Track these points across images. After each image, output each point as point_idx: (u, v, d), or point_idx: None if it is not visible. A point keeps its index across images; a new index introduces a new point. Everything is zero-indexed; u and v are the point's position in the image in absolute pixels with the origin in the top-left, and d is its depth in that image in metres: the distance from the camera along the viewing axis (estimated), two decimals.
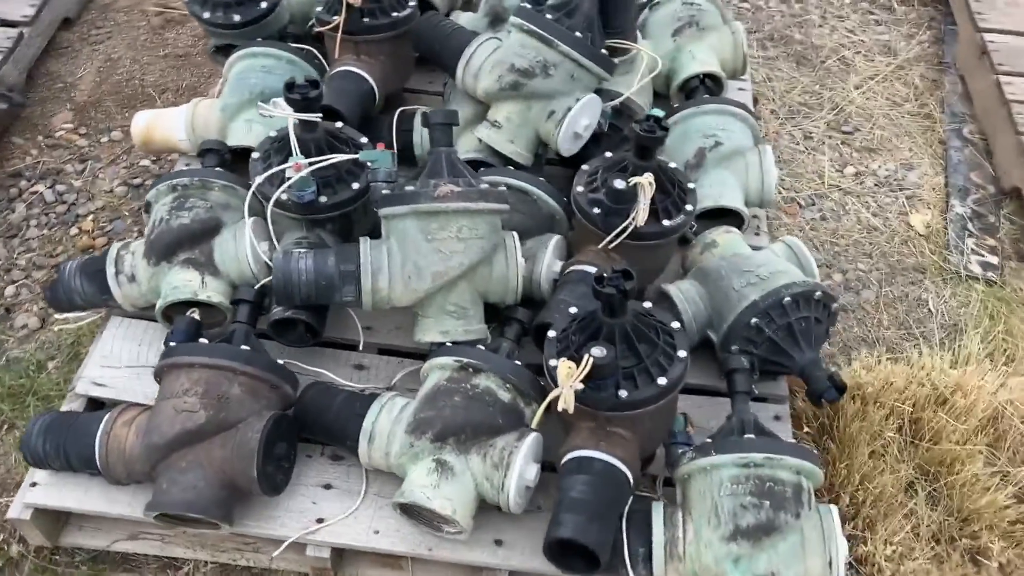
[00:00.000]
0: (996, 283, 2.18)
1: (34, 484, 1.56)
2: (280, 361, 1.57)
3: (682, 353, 1.45)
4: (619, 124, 1.96)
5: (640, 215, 1.62)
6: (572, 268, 1.69)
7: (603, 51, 1.81)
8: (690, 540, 1.40)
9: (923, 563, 1.61)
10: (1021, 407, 1.80)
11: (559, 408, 1.35)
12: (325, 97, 1.79)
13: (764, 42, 2.81)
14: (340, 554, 1.59)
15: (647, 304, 1.49)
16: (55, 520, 1.61)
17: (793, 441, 1.45)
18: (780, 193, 2.35)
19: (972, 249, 2.25)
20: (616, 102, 1.89)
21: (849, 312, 2.12)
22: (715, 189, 1.89)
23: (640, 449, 1.48)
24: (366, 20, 1.92)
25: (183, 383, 1.48)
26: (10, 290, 2.05)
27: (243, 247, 1.66)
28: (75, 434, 1.50)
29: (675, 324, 1.50)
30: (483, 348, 1.55)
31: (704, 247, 1.80)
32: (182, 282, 1.66)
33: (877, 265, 2.23)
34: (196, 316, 1.63)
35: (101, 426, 1.49)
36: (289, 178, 1.61)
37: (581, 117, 1.78)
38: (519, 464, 1.42)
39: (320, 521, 1.54)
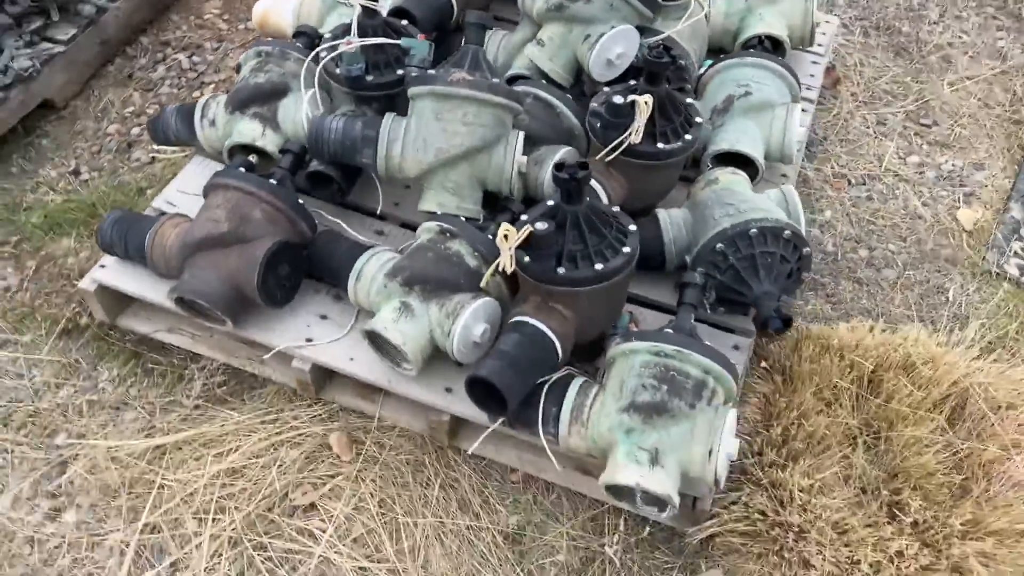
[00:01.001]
0: None
1: (103, 266, 1.93)
2: (309, 210, 1.86)
3: (627, 249, 1.60)
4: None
5: (635, 133, 1.77)
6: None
7: None
8: (595, 409, 1.56)
9: (839, 503, 1.68)
10: (993, 393, 1.81)
11: (499, 268, 1.56)
12: (404, 2, 2.08)
13: (868, 30, 2.82)
14: (323, 378, 1.87)
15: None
16: (116, 301, 1.97)
17: (717, 350, 1.57)
18: (832, 168, 2.40)
19: (1016, 252, 2.21)
20: (657, 39, 2.03)
21: (863, 286, 2.16)
22: (733, 135, 2.00)
23: (577, 329, 1.64)
24: None
25: (218, 200, 1.79)
26: (135, 130, 2.46)
27: (301, 110, 1.95)
28: (136, 228, 1.85)
29: (631, 227, 1.65)
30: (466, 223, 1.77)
31: (706, 183, 1.91)
32: (247, 130, 1.97)
33: (908, 249, 2.24)
34: (252, 159, 1.95)
35: (154, 225, 1.83)
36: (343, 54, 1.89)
37: (615, 45, 1.94)
38: (466, 316, 1.63)
39: (309, 341, 1.82)
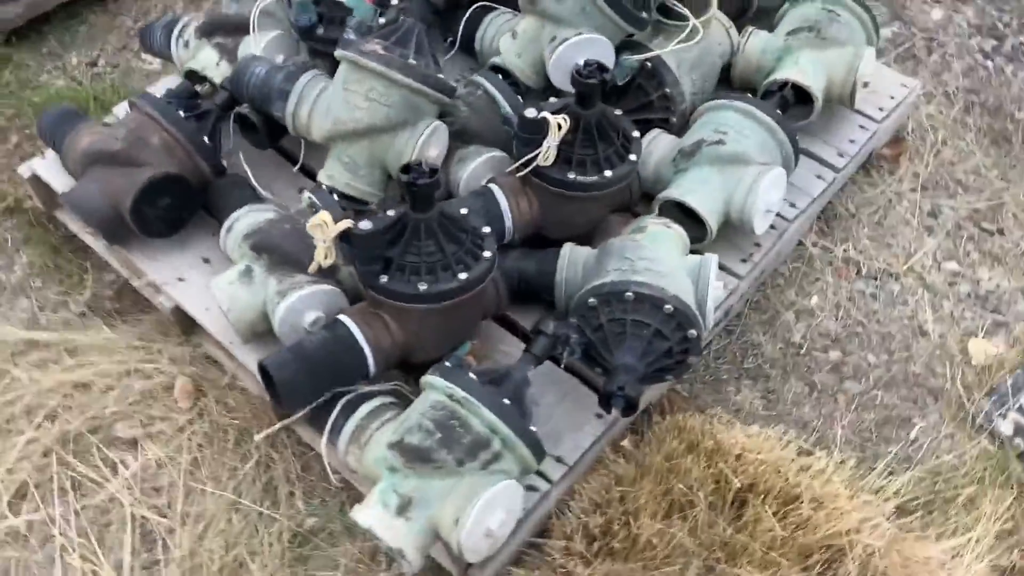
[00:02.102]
0: (1014, 454, 1.76)
1: (44, 157, 1.98)
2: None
3: (463, 276, 1.43)
4: (646, 86, 1.87)
5: (544, 154, 1.58)
6: (485, 184, 1.71)
7: (634, 8, 1.73)
8: (375, 436, 1.43)
9: None
10: (879, 561, 1.50)
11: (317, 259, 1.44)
12: None
13: (972, 106, 2.40)
14: (191, 321, 1.82)
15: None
16: (53, 193, 2.02)
17: (521, 412, 1.38)
18: (845, 251, 2.07)
19: (1020, 408, 1.82)
20: (641, 57, 1.81)
21: (813, 392, 1.86)
22: (688, 184, 1.74)
23: (403, 345, 1.51)
24: None
25: (128, 118, 1.78)
26: None
27: (256, 48, 1.90)
28: (65, 127, 1.87)
29: (486, 254, 1.48)
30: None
31: (634, 229, 1.69)
32: (204, 57, 1.94)
33: (890, 366, 1.90)
34: (196, 87, 1.92)
35: (77, 127, 1.84)
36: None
37: (578, 53, 1.73)
38: (294, 298, 1.52)
39: (180, 280, 1.79)
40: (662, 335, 1.51)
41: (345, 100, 1.64)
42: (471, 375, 1.38)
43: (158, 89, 2.04)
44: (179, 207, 1.78)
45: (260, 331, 1.61)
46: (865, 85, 1.99)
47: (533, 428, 1.40)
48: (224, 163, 1.84)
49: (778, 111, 1.87)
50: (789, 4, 2.08)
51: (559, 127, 1.55)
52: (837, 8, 1.99)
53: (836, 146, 2.06)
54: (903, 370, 1.89)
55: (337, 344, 1.46)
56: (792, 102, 1.94)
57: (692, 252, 1.74)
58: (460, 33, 2.08)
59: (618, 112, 1.72)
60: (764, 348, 1.91)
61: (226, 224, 1.70)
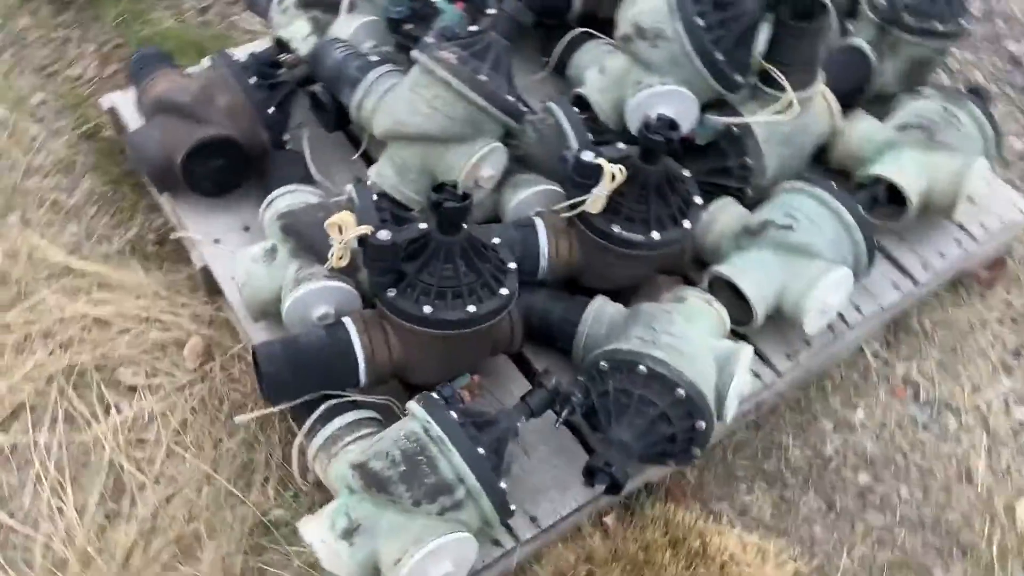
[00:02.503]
0: None
1: (124, 92, 2.02)
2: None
3: (471, 308, 1.37)
4: (728, 151, 1.76)
5: (593, 201, 1.50)
6: (532, 216, 1.64)
7: (729, 70, 1.63)
8: (344, 451, 1.38)
9: None
10: None
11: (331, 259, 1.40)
12: None
13: None
14: (217, 288, 1.81)
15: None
16: (124, 129, 2.04)
17: (492, 466, 1.30)
18: (907, 370, 1.90)
19: None
20: (727, 120, 1.70)
21: (829, 514, 1.71)
22: (742, 264, 1.63)
23: (398, 363, 1.45)
24: None
25: (203, 74, 1.79)
26: None
27: (347, 29, 1.88)
28: (151, 64, 1.88)
29: (504, 291, 1.41)
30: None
31: (673, 297, 1.59)
32: (296, 28, 1.93)
33: (922, 507, 1.73)
34: (281, 56, 1.91)
35: (157, 70, 1.86)
36: None
37: (660, 104, 1.64)
38: (305, 290, 1.48)
39: (216, 241, 1.79)
40: (668, 419, 1.40)
41: (409, 102, 1.60)
42: (453, 414, 1.31)
43: (246, 51, 2.05)
44: (230, 170, 1.78)
45: (271, 312, 1.58)
46: (970, 200, 1.82)
47: (503, 485, 1.32)
48: (287, 137, 1.83)
49: (861, 207, 1.74)
50: (908, 95, 1.93)
51: (613, 177, 1.47)
52: (958, 111, 1.83)
53: (923, 256, 1.90)
54: (936, 514, 1.73)
55: (332, 347, 1.42)
56: (883, 200, 1.79)
57: (735, 334, 1.64)
58: (557, 56, 2.02)
59: (686, 173, 1.62)
60: (791, 452, 1.78)
61: (268, 198, 1.68)
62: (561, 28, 2.04)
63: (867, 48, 1.96)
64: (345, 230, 1.34)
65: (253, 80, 1.76)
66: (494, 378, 1.64)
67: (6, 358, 1.75)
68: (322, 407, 1.44)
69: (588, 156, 1.49)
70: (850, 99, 1.99)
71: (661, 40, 1.62)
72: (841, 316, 1.78)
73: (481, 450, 1.29)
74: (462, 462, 1.27)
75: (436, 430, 1.29)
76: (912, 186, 1.78)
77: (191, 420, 1.71)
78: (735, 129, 1.72)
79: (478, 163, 1.60)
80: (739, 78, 1.64)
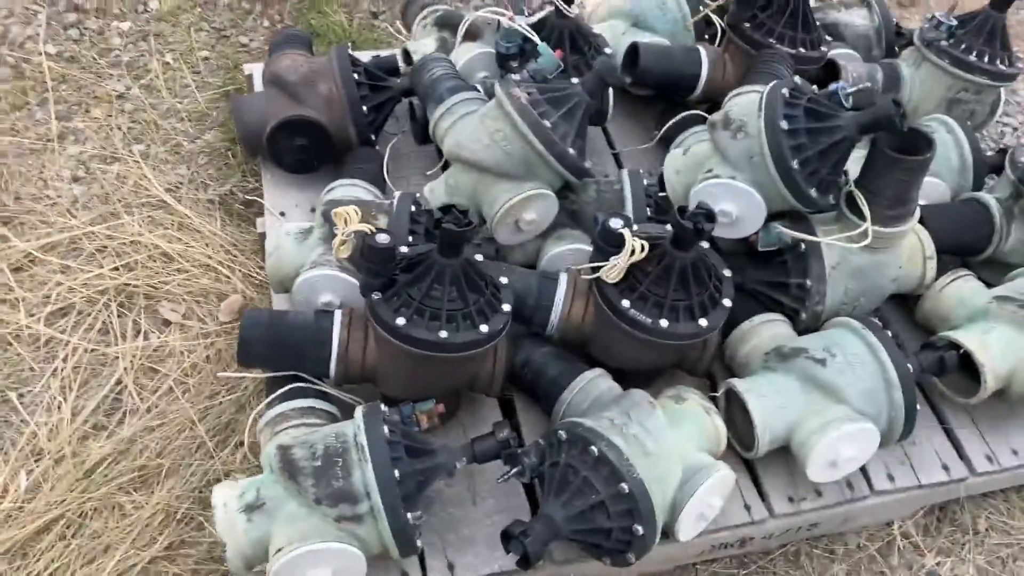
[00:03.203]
0: None
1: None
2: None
3: (443, 334, 1.35)
4: (791, 268, 1.64)
5: (611, 270, 1.44)
6: (562, 271, 1.60)
7: (803, 181, 1.52)
8: (287, 430, 1.39)
9: None
10: None
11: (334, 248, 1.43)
12: (642, 50, 1.93)
13: None
14: None
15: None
16: None
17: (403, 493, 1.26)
18: (940, 566, 1.68)
19: None
20: (792, 234, 1.58)
21: None
22: (763, 388, 1.50)
23: (369, 368, 1.46)
24: None
25: (319, 62, 1.89)
26: None
27: (464, 57, 1.93)
28: (287, 43, 2.00)
29: (483, 328, 1.38)
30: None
31: (674, 395, 1.50)
32: (425, 42, 2.02)
33: None
34: (401, 64, 2.00)
35: (292, 49, 1.99)
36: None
37: (725, 195, 1.56)
38: (314, 275, 1.52)
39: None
40: (606, 511, 1.31)
41: (475, 130, 1.62)
42: (385, 429, 1.30)
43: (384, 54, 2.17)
44: (311, 152, 1.87)
45: (289, 287, 1.63)
46: None
47: (411, 516, 1.28)
48: (374, 137, 1.90)
49: (928, 370, 1.57)
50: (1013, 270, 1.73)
51: (634, 251, 1.41)
52: None
53: (992, 447, 1.68)
54: None
55: (312, 332, 1.44)
56: (953, 369, 1.60)
57: (742, 460, 1.53)
58: (664, 130, 1.98)
59: (727, 273, 1.53)
60: None
61: (329, 185, 1.75)
62: (684, 107, 2.01)
63: (994, 205, 1.78)
64: (348, 223, 1.37)
65: (357, 78, 1.84)
66: (474, 416, 1.61)
67: (77, 263, 1.92)
68: (289, 386, 1.47)
69: (615, 223, 1.44)
70: (962, 255, 1.81)
71: (742, 134, 1.55)
72: (867, 478, 1.60)
73: (398, 473, 1.26)
74: (373, 478, 1.25)
75: (362, 438, 1.28)
76: (991, 364, 1.58)
77: (201, 367, 1.79)
78: (802, 246, 1.61)
79: (521, 203, 1.59)
80: (814, 193, 1.53)
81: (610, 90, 1.94)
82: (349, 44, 2.41)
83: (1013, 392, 1.62)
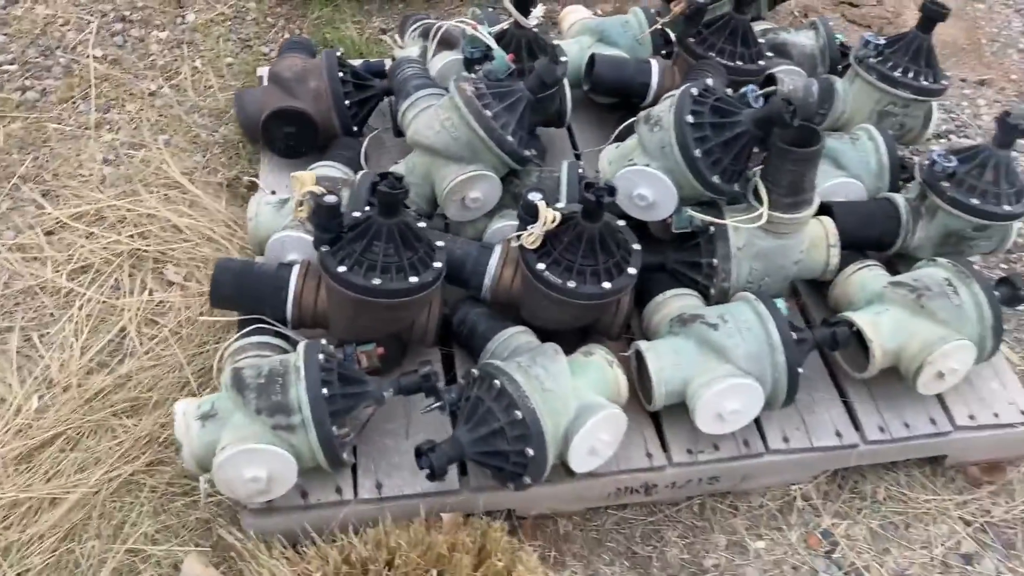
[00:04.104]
0: None
1: None
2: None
3: (375, 281, 1.59)
4: (703, 249, 1.85)
5: (528, 236, 1.67)
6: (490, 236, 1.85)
7: (706, 169, 1.73)
8: (244, 359, 1.65)
9: None
10: None
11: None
12: (597, 60, 2.19)
13: None
14: None
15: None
16: None
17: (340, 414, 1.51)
18: (835, 527, 1.83)
19: None
20: (700, 216, 1.79)
21: None
22: (663, 348, 1.71)
23: (321, 314, 1.71)
24: None
25: (313, 62, 2.18)
26: None
27: (438, 64, 2.20)
28: (293, 47, 2.32)
29: (412, 279, 1.62)
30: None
31: (585, 351, 1.71)
32: (411, 50, 2.28)
33: None
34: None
35: (295, 53, 2.28)
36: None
37: (638, 180, 1.78)
38: (285, 233, 1.80)
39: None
40: (504, 436, 1.53)
41: (429, 118, 1.87)
42: (320, 357, 1.54)
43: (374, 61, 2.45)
44: (300, 139, 2.15)
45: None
46: (940, 376, 1.75)
47: (339, 431, 1.52)
48: (357, 128, 2.17)
49: (821, 343, 1.75)
50: (926, 260, 1.90)
51: (547, 219, 1.63)
52: (960, 285, 1.78)
53: (886, 419, 1.84)
54: None
55: (273, 280, 1.70)
56: (845, 344, 1.78)
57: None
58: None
59: (636, 247, 1.74)
60: (670, 549, 1.78)
61: (311, 166, 2.02)
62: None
63: (902, 204, 1.95)
64: (303, 186, 1.63)
65: (343, 77, 2.12)
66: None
67: (100, 230, 2.23)
68: (255, 326, 1.73)
69: (534, 196, 1.67)
70: (873, 249, 1.99)
71: (657, 127, 1.77)
72: (763, 437, 1.78)
73: (327, 392, 1.50)
74: (304, 394, 1.49)
75: (299, 362, 1.53)
76: (880, 341, 1.75)
77: (195, 321, 2.06)
78: (711, 229, 1.81)
79: (465, 182, 1.83)
80: (717, 179, 1.74)
81: (568, 95, 2.18)
82: (357, 54, 2.73)
83: (902, 368, 1.79)
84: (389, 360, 1.76)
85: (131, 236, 2.22)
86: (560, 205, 1.72)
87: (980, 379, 1.91)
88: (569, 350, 1.72)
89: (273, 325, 1.74)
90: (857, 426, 1.83)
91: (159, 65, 2.73)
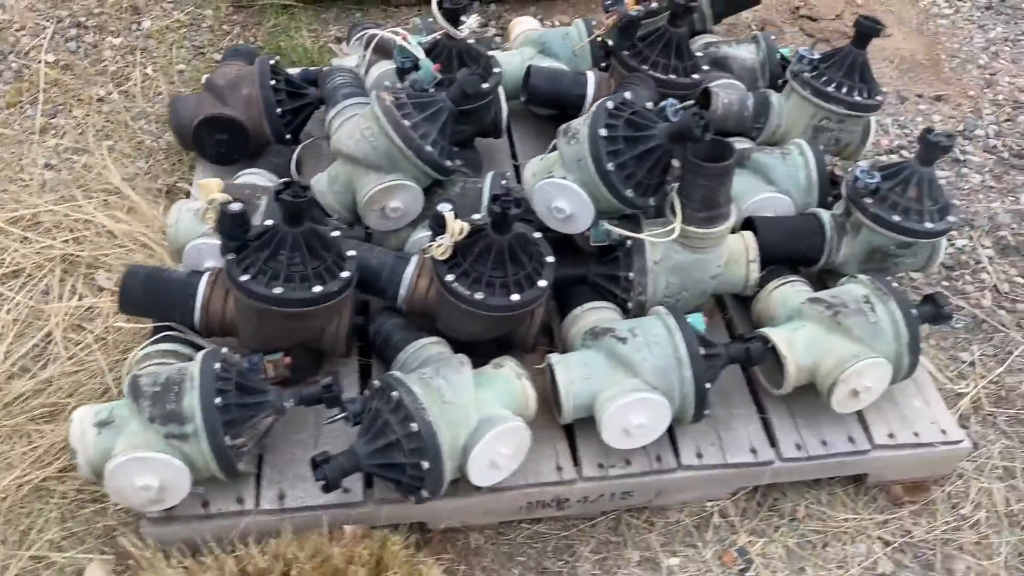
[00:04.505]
0: None
1: None
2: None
3: (276, 290, 1.59)
4: (621, 263, 1.84)
5: (437, 247, 1.66)
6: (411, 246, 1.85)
7: (620, 182, 1.73)
8: (147, 367, 1.64)
9: None
10: None
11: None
12: (533, 73, 2.21)
13: None
14: None
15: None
16: None
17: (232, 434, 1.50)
18: (751, 544, 1.82)
19: None
20: (616, 230, 1.79)
21: None
22: (573, 361, 1.70)
23: (230, 322, 1.70)
24: None
25: (245, 67, 2.18)
26: None
27: (375, 73, 2.20)
28: (238, 55, 2.33)
29: (317, 288, 1.61)
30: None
31: (496, 363, 1.70)
32: (349, 60, 2.29)
33: None
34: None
35: (237, 60, 2.29)
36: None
37: (555, 192, 1.78)
38: (200, 241, 1.79)
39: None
40: (401, 449, 1.52)
41: (351, 127, 1.87)
42: (216, 366, 1.54)
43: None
44: (231, 146, 2.15)
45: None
46: (855, 394, 1.74)
47: (236, 442, 1.51)
48: (290, 136, 2.17)
49: (735, 359, 1.74)
50: (848, 277, 1.88)
51: (455, 230, 1.63)
52: (877, 302, 1.76)
53: (802, 436, 1.82)
54: None
55: (182, 287, 1.70)
56: (759, 359, 1.77)
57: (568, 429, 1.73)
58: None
59: (550, 259, 1.74)
60: (581, 564, 1.77)
61: (237, 173, 2.02)
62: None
63: (827, 220, 1.94)
64: (208, 193, 1.63)
65: (276, 84, 2.12)
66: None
67: (34, 234, 2.23)
68: (162, 333, 1.72)
69: (443, 207, 1.66)
70: (799, 264, 1.98)
71: (574, 140, 1.77)
72: (676, 452, 1.77)
73: (220, 401, 1.50)
74: (197, 403, 1.49)
75: (196, 370, 1.52)
76: (794, 357, 1.74)
77: (121, 327, 2.06)
78: (628, 243, 1.80)
79: (384, 191, 1.83)
80: (630, 193, 1.73)
81: (504, 105, 2.18)
82: (309, 62, 2.73)
83: (817, 385, 1.77)
84: (302, 369, 1.75)
85: (65, 241, 2.23)
86: (476, 216, 1.72)
87: (904, 397, 1.90)
88: (485, 362, 1.72)
89: (184, 333, 1.73)
90: (774, 443, 1.82)
91: (110, 71, 2.74)
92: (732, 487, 1.84)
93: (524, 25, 2.55)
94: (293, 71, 2.30)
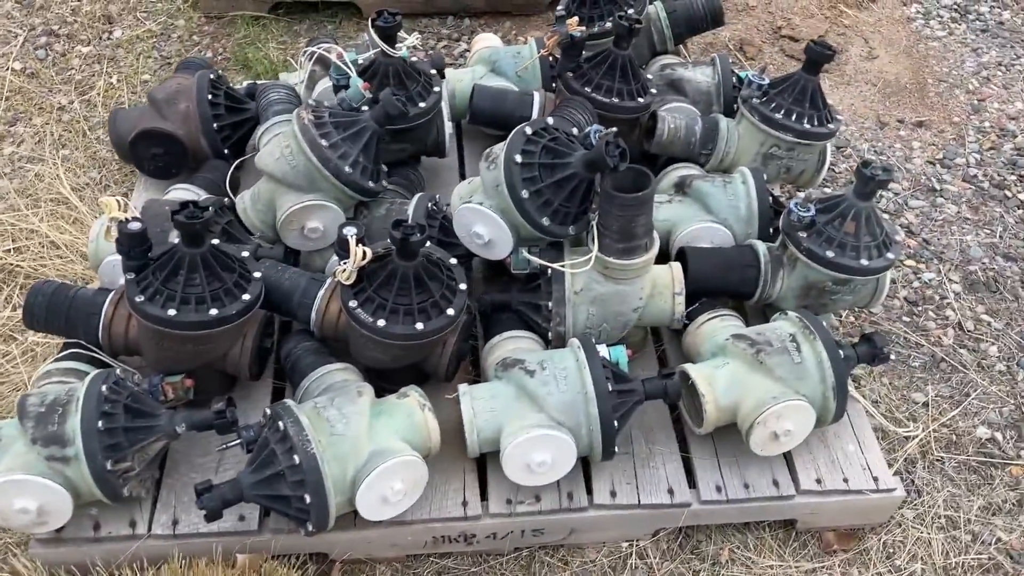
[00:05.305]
0: None
1: None
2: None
3: (171, 312, 1.55)
4: (544, 292, 1.78)
5: (345, 272, 1.62)
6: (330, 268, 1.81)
7: (534, 210, 1.67)
8: (45, 384, 1.62)
9: None
10: None
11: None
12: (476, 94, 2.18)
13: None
14: None
15: None
16: None
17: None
18: None
19: None
20: (535, 260, 1.73)
21: None
22: (481, 392, 1.65)
23: (134, 341, 1.68)
24: None
25: (186, 81, 2.16)
26: None
27: (316, 90, 2.17)
28: (190, 66, 2.32)
29: (213, 312, 1.58)
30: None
31: (401, 393, 1.65)
32: (297, 75, 2.27)
33: None
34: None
35: (186, 72, 2.27)
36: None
37: (473, 218, 1.73)
38: (117, 259, 1.77)
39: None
40: (285, 480, 1.48)
41: (273, 146, 1.84)
42: (103, 389, 1.51)
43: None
44: (168, 161, 2.13)
45: None
46: (775, 437, 1.66)
47: (120, 466, 1.48)
48: (227, 151, 2.14)
49: (623, 386, 1.66)
50: (779, 313, 1.81)
51: (357, 256, 1.59)
52: (803, 341, 1.69)
53: (724, 477, 1.74)
54: None
55: (87, 305, 1.68)
56: (676, 396, 1.70)
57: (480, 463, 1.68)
58: None
59: (463, 287, 1.68)
60: None
61: (168, 188, 2.00)
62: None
63: (762, 252, 1.87)
64: (110, 211, 1.60)
65: (214, 99, 2.10)
66: (249, 399, 1.80)
67: None
68: (68, 351, 1.70)
69: (348, 231, 1.62)
70: (732, 297, 1.91)
71: (493, 165, 1.71)
72: (589, 491, 1.70)
73: (103, 425, 1.47)
74: (78, 426, 1.46)
75: (80, 392, 1.49)
76: (713, 396, 1.67)
77: (51, 339, 2.05)
78: (548, 272, 1.75)
79: (301, 212, 1.80)
80: (546, 221, 1.67)
81: (447, 125, 2.14)
82: (274, 75, 2.71)
83: (738, 426, 1.70)
84: (209, 391, 1.72)
85: (7, 251, 2.23)
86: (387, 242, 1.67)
87: (837, 440, 1.82)
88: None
89: (93, 351, 1.71)
90: (693, 484, 1.75)
91: (75, 80, 2.75)
92: (650, 528, 1.77)
93: (484, 42, 2.51)
94: (242, 85, 2.28)
